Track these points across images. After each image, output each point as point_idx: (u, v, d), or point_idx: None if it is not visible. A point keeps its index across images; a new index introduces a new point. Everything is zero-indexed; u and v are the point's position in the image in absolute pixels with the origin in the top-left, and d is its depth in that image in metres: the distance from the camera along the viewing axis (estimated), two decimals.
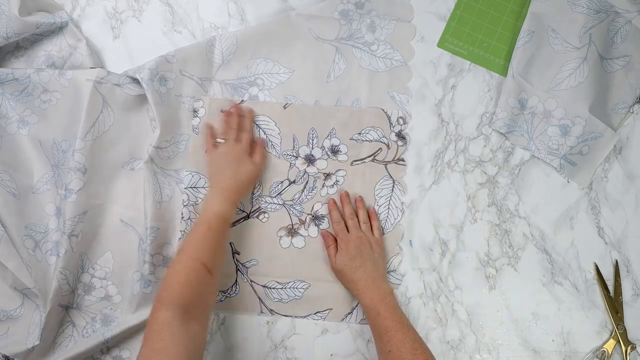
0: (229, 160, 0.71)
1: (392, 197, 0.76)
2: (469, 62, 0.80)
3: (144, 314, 0.71)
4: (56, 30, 0.79)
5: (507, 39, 0.80)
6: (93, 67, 0.77)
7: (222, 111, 0.77)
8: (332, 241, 0.72)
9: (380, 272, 0.69)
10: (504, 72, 0.79)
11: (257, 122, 0.77)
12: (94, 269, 0.74)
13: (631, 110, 0.78)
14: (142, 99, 0.76)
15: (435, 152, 0.78)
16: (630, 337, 0.72)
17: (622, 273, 0.74)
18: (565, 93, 0.77)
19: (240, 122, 0.75)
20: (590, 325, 0.73)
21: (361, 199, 0.75)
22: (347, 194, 0.75)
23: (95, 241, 0.74)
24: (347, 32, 0.80)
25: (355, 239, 0.70)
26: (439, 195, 0.77)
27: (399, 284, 0.74)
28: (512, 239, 0.75)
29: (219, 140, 0.73)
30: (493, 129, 0.78)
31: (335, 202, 0.75)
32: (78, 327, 0.72)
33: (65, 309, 0.72)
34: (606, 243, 0.75)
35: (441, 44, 0.80)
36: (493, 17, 0.81)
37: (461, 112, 0.79)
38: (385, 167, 0.77)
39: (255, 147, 0.75)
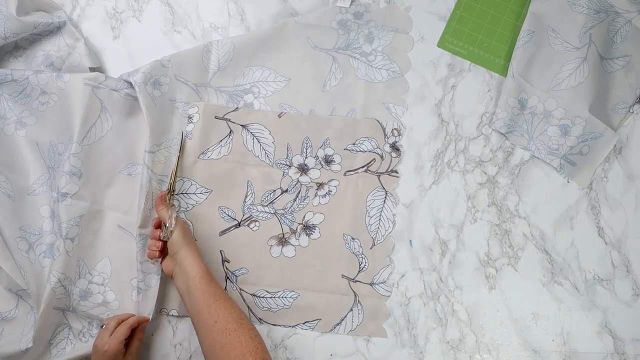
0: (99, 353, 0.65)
1: (384, 209, 0.76)
2: (469, 62, 0.80)
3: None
4: (54, 30, 0.79)
5: (507, 39, 0.80)
6: (92, 67, 0.77)
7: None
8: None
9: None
10: (504, 72, 0.79)
11: (251, 130, 0.77)
12: (91, 274, 0.73)
13: (631, 110, 0.78)
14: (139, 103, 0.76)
15: (435, 152, 0.78)
16: (628, 337, 0.72)
17: (622, 273, 0.74)
18: (565, 93, 0.77)
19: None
20: (590, 325, 0.73)
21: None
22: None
23: (92, 247, 0.74)
24: (345, 42, 0.79)
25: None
26: (439, 195, 0.77)
27: (389, 296, 0.74)
28: (512, 239, 0.75)
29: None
30: (493, 129, 0.78)
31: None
32: (74, 330, 0.72)
33: (62, 311, 0.72)
34: (606, 243, 0.75)
35: (441, 44, 0.80)
36: (493, 17, 0.81)
37: (461, 112, 0.79)
38: (378, 178, 0.76)
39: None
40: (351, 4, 0.80)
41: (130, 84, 0.74)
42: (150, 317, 0.71)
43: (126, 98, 0.75)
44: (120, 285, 0.74)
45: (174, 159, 0.75)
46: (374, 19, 0.80)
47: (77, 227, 0.72)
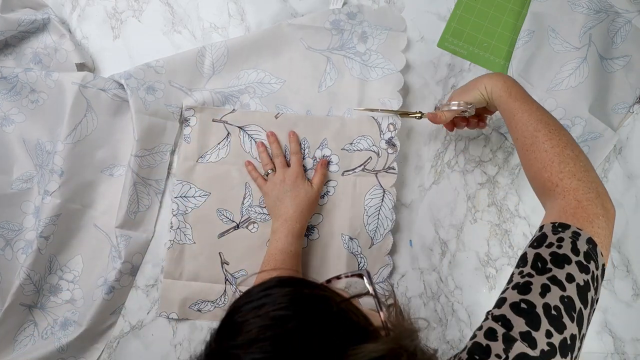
0: (285, 188, 0.70)
1: (382, 207, 0.76)
2: (469, 62, 0.80)
3: (99, 321, 0.71)
4: (40, 27, 0.78)
5: (507, 39, 0.80)
6: (79, 63, 0.77)
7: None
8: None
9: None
10: (503, 72, 0.79)
11: (249, 132, 0.77)
12: (62, 271, 0.74)
13: (631, 110, 0.78)
14: (127, 105, 0.75)
15: (435, 152, 0.78)
16: (628, 336, 0.72)
17: (622, 273, 0.74)
18: (565, 93, 0.77)
19: (280, 147, 0.74)
20: (590, 325, 0.73)
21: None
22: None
23: (66, 243, 0.74)
24: (339, 42, 0.79)
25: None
26: (439, 195, 0.77)
27: (388, 296, 0.74)
28: (512, 239, 0.75)
29: (268, 171, 0.73)
30: (493, 129, 0.78)
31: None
32: (39, 327, 0.72)
33: (28, 308, 0.72)
34: None
35: (441, 44, 0.80)
36: (493, 17, 0.81)
37: None
38: (376, 176, 0.76)
39: (316, 168, 0.74)
40: (343, 4, 0.79)
41: (120, 84, 0.74)
42: (118, 317, 0.73)
43: (113, 99, 0.74)
44: (89, 284, 0.74)
45: None
46: (367, 18, 0.79)
47: (53, 225, 0.71)
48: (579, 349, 0.43)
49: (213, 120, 0.76)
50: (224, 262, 0.74)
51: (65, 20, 0.80)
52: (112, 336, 0.74)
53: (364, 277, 0.41)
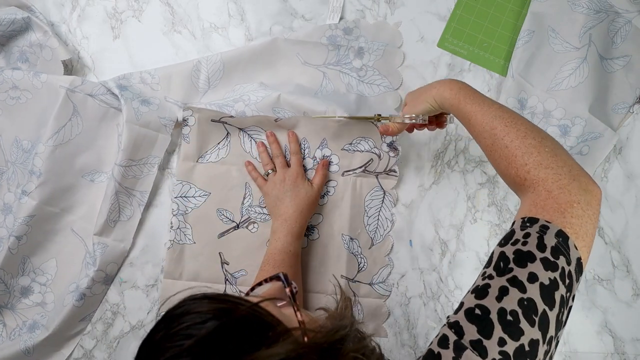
0: (285, 188, 0.70)
1: (382, 208, 0.76)
2: (469, 62, 0.80)
3: (66, 327, 0.71)
4: (24, 25, 0.76)
5: (507, 39, 0.80)
6: (65, 60, 0.76)
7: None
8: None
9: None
10: (503, 72, 0.79)
11: (249, 132, 0.76)
12: (35, 273, 0.73)
13: (631, 110, 0.78)
14: (114, 112, 0.74)
15: (435, 152, 0.78)
16: (628, 336, 0.72)
17: (622, 273, 0.74)
18: (565, 93, 0.77)
19: (280, 147, 0.74)
20: (590, 325, 0.73)
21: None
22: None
23: (41, 246, 0.73)
24: (335, 58, 0.78)
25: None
26: (439, 195, 0.77)
27: (388, 296, 0.74)
28: None
29: (268, 171, 0.73)
30: None
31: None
32: (8, 328, 0.72)
33: None
34: (606, 243, 0.75)
35: (441, 44, 0.80)
36: (493, 17, 0.81)
37: None
38: (377, 178, 0.76)
39: (317, 168, 0.74)
40: (340, 19, 0.79)
41: (108, 89, 0.73)
42: (88, 324, 0.73)
43: (100, 105, 0.74)
44: (61, 288, 0.73)
45: None
46: (363, 34, 0.79)
47: (26, 226, 0.71)
48: (548, 352, 0.40)
49: (212, 121, 0.76)
50: (224, 262, 0.75)
51: (66, 19, 0.80)
52: (112, 336, 0.74)
53: (282, 281, 0.41)
